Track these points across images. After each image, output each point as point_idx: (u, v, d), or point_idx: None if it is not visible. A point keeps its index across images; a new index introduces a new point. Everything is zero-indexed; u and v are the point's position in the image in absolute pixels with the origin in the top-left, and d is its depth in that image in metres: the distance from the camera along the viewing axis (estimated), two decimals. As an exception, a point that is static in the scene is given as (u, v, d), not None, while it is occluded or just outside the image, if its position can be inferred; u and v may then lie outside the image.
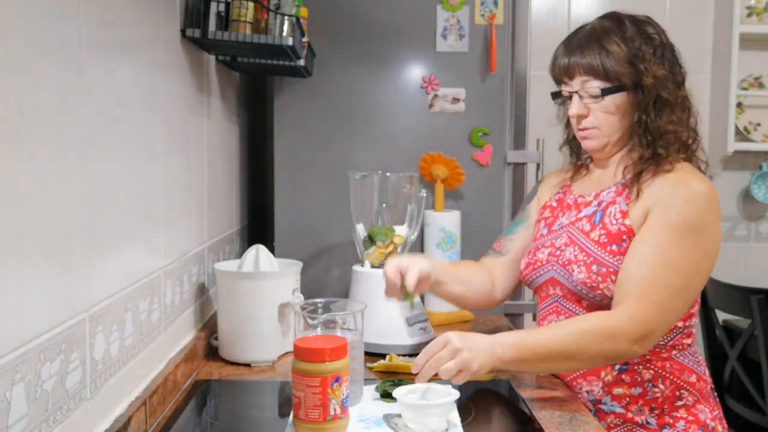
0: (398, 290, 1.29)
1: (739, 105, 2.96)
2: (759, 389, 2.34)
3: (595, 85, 1.25)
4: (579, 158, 1.41)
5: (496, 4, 1.97)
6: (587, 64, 1.25)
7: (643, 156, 1.25)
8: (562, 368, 1.27)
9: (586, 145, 1.32)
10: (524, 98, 2.48)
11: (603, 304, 1.23)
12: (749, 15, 2.92)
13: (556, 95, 1.34)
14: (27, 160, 0.75)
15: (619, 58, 1.23)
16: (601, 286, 1.22)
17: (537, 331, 1.24)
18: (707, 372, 1.32)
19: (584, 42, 1.27)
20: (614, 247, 1.23)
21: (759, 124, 3.02)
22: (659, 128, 1.24)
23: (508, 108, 2.07)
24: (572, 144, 1.41)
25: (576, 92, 1.28)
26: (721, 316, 2.59)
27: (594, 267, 1.23)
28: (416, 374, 1.15)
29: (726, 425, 1.31)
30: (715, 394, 1.33)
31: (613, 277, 1.21)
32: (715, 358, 2.59)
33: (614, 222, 1.24)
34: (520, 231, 1.49)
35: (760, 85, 3.02)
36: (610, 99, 1.25)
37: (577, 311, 1.28)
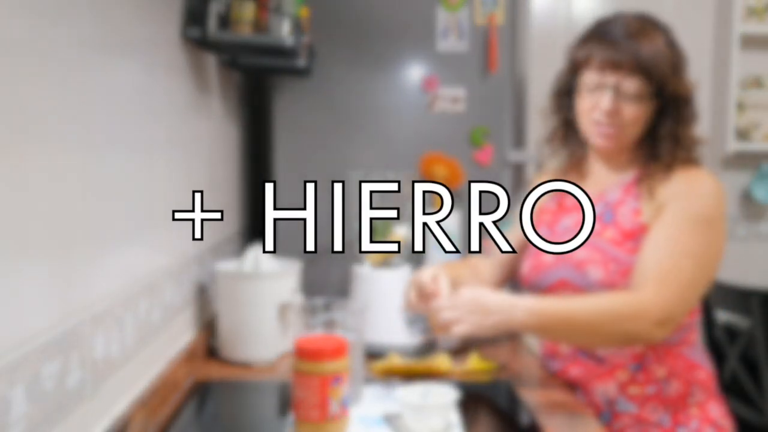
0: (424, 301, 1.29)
1: (739, 105, 2.96)
2: (759, 389, 2.34)
3: (639, 85, 1.19)
4: (574, 152, 1.37)
5: (496, 4, 1.97)
6: (640, 60, 1.18)
7: (663, 161, 1.24)
8: (579, 342, 1.25)
9: (601, 143, 1.26)
10: (524, 98, 2.48)
11: None
12: (749, 15, 2.92)
13: (569, 80, 1.28)
14: (27, 160, 0.75)
15: (667, 62, 1.19)
16: (619, 285, 1.22)
17: (561, 299, 1.20)
18: (711, 366, 1.33)
19: (634, 33, 1.19)
20: (630, 244, 1.23)
21: (759, 124, 3.02)
22: (683, 137, 1.24)
23: (508, 108, 2.07)
24: (568, 136, 1.35)
25: (614, 86, 1.20)
26: (721, 316, 2.58)
27: (611, 266, 1.23)
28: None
29: (732, 420, 1.32)
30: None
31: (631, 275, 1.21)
32: (715, 358, 2.59)
33: (628, 220, 1.25)
34: (506, 232, 1.50)
35: (760, 85, 3.02)
36: (647, 102, 1.21)
37: None
